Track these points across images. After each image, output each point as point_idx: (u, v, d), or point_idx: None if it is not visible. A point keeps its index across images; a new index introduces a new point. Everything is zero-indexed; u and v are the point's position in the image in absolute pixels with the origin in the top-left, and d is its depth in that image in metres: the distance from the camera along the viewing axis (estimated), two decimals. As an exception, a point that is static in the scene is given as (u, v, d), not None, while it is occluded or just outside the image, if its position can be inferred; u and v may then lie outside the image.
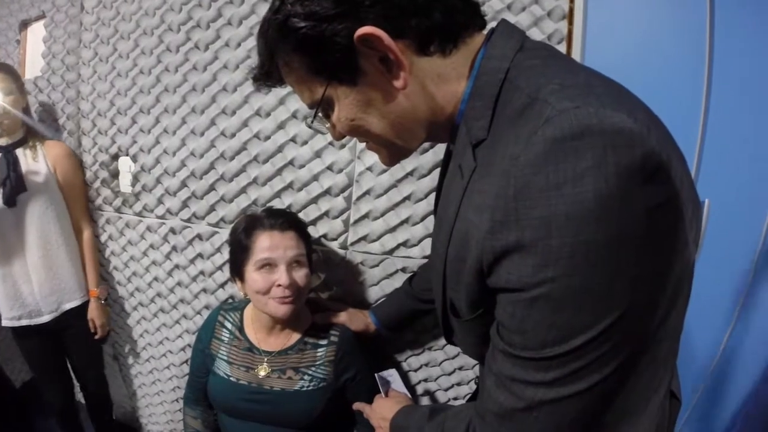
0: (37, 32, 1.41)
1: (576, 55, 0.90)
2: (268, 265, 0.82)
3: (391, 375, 0.88)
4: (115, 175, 1.20)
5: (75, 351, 1.28)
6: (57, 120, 1.31)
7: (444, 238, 0.43)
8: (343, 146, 0.96)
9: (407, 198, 0.94)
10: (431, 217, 0.93)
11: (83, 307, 1.23)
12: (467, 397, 1.01)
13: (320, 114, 0.46)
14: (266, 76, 0.46)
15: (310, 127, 0.48)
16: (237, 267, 0.86)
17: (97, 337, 1.25)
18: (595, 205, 0.29)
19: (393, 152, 0.47)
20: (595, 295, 0.31)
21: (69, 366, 1.32)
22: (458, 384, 1.03)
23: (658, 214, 0.31)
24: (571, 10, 0.89)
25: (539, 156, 0.31)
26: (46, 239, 1.17)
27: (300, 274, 0.84)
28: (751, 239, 0.95)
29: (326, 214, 0.99)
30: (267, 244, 0.82)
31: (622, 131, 0.30)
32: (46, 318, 1.19)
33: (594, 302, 0.31)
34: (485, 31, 0.44)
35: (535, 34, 0.87)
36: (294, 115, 0.98)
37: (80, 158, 1.28)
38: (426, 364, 1.04)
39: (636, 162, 0.29)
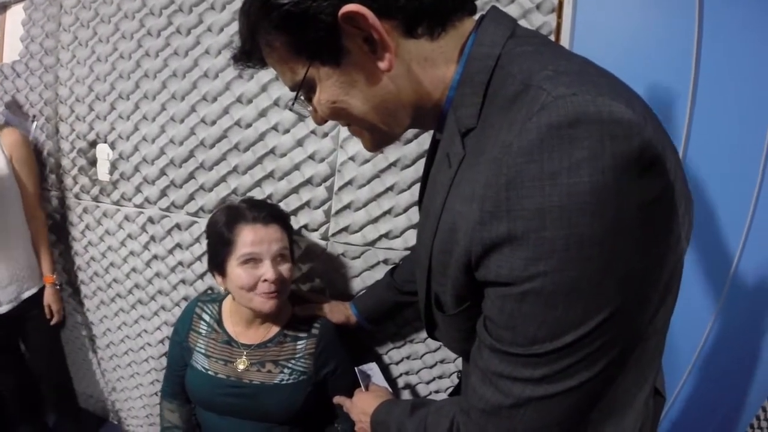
0: (16, 15, 1.37)
1: (564, 48, 0.90)
2: (253, 260, 0.80)
3: (372, 369, 0.87)
4: (92, 162, 1.17)
5: (34, 339, 1.27)
6: (33, 105, 1.28)
7: (430, 230, 0.42)
8: (325, 135, 0.94)
9: (390, 189, 0.92)
10: (414, 209, 0.92)
11: (40, 294, 1.23)
12: (449, 390, 1.01)
13: (302, 96, 0.44)
14: (247, 56, 0.44)
15: (291, 110, 0.47)
16: (218, 261, 0.83)
17: (53, 322, 1.26)
18: (591, 196, 0.28)
19: (376, 137, 0.46)
20: (588, 290, 0.30)
21: (25, 357, 1.31)
22: (439, 377, 1.02)
23: (653, 208, 0.30)
24: (561, 3, 0.88)
25: (533, 143, 0.30)
26: (6, 228, 1.15)
27: (284, 268, 0.82)
28: (734, 236, 0.96)
29: (307, 204, 0.98)
30: (251, 238, 0.80)
31: (621, 121, 0.29)
32: (4, 308, 1.17)
33: (587, 298, 0.30)
34: (475, 17, 0.42)
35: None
36: (276, 103, 0.96)
37: (58, 145, 1.25)
38: (407, 357, 1.03)
39: (633, 153, 0.28)
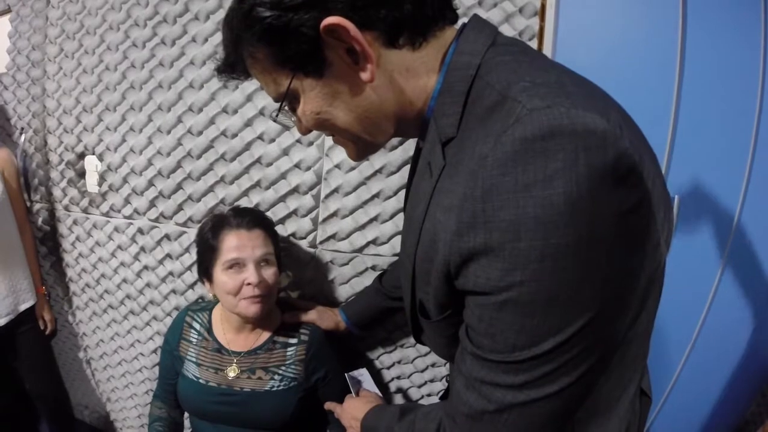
0: (2, 27, 1.36)
1: (547, 52, 0.90)
2: (237, 264, 0.81)
3: (362, 374, 0.88)
4: (81, 174, 1.17)
5: (28, 351, 1.28)
6: (21, 118, 1.28)
7: (413, 238, 0.43)
8: (311, 143, 0.95)
9: (376, 195, 0.93)
10: (401, 215, 0.93)
11: (34, 307, 1.26)
12: (440, 393, 1.01)
13: (286, 107, 0.45)
14: (231, 68, 0.45)
15: (275, 121, 0.47)
16: (205, 268, 0.85)
17: (47, 332, 1.29)
18: (565, 208, 0.29)
19: (360, 147, 0.46)
20: (564, 299, 0.31)
21: (19, 369, 1.32)
22: (431, 381, 1.03)
23: (629, 217, 0.30)
24: (543, 6, 0.89)
25: (508, 156, 0.30)
26: (3, 242, 1.17)
27: (269, 273, 0.83)
28: (721, 235, 0.96)
29: (295, 212, 0.98)
30: (234, 243, 0.81)
31: (595, 132, 0.29)
32: (2, 321, 1.18)
33: (564, 306, 0.31)
34: (457, 26, 0.43)
35: (507, 31, 0.87)
36: (261, 112, 0.96)
37: (46, 157, 1.25)
38: (398, 362, 1.03)
39: (608, 164, 0.29)
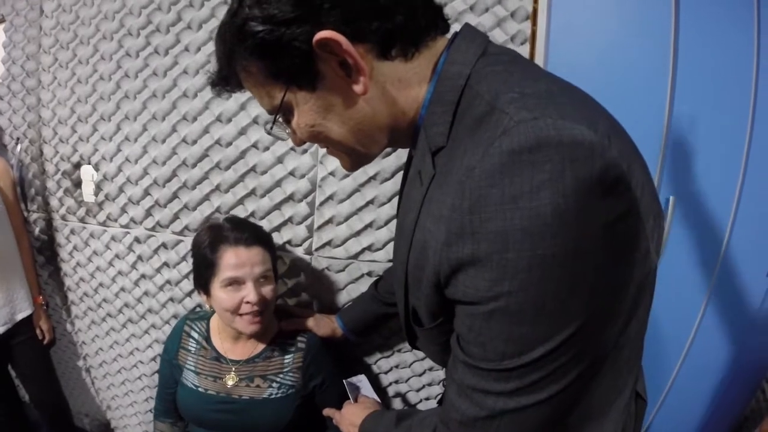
0: (-3, 37, 1.36)
1: (539, 56, 0.91)
2: (236, 282, 0.80)
3: (360, 381, 0.88)
4: (77, 184, 1.17)
5: (26, 360, 1.29)
6: (17, 128, 1.28)
7: (405, 246, 0.43)
8: (305, 151, 0.95)
9: (371, 202, 0.93)
10: (395, 221, 0.93)
11: (31, 316, 1.27)
12: (438, 397, 1.01)
13: (280, 120, 0.45)
14: (224, 81, 0.45)
15: (269, 133, 0.47)
16: (202, 282, 0.84)
17: (46, 341, 1.30)
18: (552, 219, 0.29)
19: (354, 158, 0.47)
20: (552, 308, 0.31)
21: (18, 379, 1.33)
22: (429, 384, 1.03)
23: (616, 227, 0.31)
24: (535, 10, 0.89)
25: (495, 168, 0.30)
26: (0, 253, 1.17)
27: (267, 290, 0.83)
28: (716, 236, 0.97)
29: (290, 220, 0.98)
30: (233, 261, 0.80)
31: (582, 143, 0.29)
32: (0, 330, 1.19)
33: (551, 315, 0.31)
34: (448, 35, 0.43)
35: (498, 35, 0.87)
36: (255, 121, 0.96)
37: (42, 167, 1.25)
38: (396, 366, 1.04)
39: (594, 175, 0.29)
